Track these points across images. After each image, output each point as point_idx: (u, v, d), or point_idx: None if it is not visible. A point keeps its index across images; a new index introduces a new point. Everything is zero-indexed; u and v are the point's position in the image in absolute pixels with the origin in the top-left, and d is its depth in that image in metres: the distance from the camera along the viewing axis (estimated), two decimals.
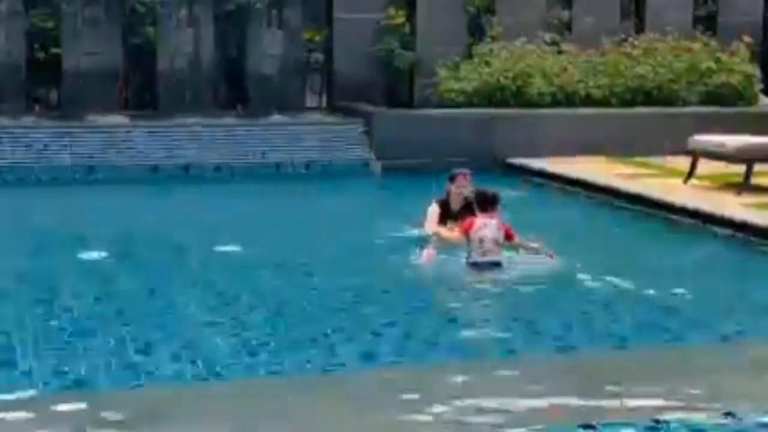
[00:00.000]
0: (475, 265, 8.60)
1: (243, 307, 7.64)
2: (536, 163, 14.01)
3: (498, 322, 7.45)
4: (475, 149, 14.27)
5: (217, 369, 6.22)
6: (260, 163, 14.00)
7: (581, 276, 8.54)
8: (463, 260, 8.72)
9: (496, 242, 8.61)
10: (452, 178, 9.86)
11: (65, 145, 13.69)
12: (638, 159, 14.16)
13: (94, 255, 9.12)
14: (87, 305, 7.59)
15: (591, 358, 6.57)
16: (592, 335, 7.13)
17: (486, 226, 8.63)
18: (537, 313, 7.56)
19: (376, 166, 14.17)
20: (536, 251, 8.75)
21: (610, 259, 9.40)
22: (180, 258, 9.24)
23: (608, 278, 8.54)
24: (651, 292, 8.12)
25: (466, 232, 8.67)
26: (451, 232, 9.11)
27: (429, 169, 13.17)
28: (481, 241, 8.59)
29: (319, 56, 17.21)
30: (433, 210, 9.66)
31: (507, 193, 12.48)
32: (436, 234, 9.24)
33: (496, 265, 8.60)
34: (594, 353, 6.73)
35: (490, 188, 9.01)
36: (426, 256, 8.81)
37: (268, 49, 15.87)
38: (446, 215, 9.63)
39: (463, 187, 9.69)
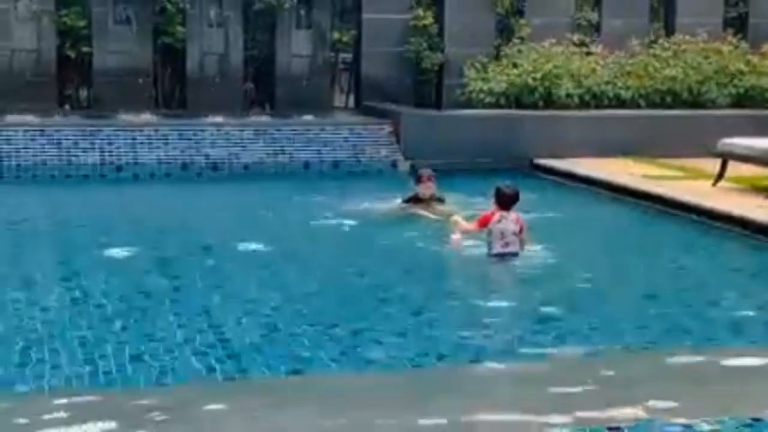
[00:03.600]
0: (497, 256, 8.94)
1: (268, 303, 7.67)
2: (564, 164, 13.96)
3: (526, 319, 7.44)
4: (503, 150, 14.31)
5: (244, 366, 6.24)
6: (289, 162, 14.01)
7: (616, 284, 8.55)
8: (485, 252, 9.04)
9: (514, 234, 9.00)
10: (419, 180, 10.96)
11: (94, 144, 13.74)
12: (665, 161, 14.06)
13: (120, 252, 9.16)
14: (114, 301, 7.63)
15: (614, 358, 6.54)
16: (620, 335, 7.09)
17: (503, 219, 9.00)
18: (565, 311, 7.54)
19: (404, 167, 14.15)
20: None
21: (636, 260, 9.37)
22: (207, 257, 9.25)
23: (631, 281, 8.54)
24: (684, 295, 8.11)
25: (484, 225, 9.06)
26: (468, 225, 9.39)
27: (457, 170, 13.21)
28: (502, 234, 8.97)
29: (347, 56, 17.24)
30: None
31: (533, 194, 12.60)
32: (455, 221, 9.59)
33: (515, 255, 8.97)
34: (619, 353, 6.69)
35: (510, 186, 9.25)
36: (454, 241, 9.28)
37: (296, 49, 15.91)
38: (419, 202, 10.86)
39: (428, 189, 10.81)
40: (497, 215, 9.02)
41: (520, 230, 9.02)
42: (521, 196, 9.17)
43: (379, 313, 7.46)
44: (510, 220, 9.00)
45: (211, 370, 6.13)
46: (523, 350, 6.64)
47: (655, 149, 14.50)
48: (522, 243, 9.03)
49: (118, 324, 7.02)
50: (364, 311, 7.49)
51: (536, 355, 6.54)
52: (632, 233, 10.98)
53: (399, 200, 11.10)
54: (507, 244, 8.95)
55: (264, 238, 9.72)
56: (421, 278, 8.50)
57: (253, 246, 9.45)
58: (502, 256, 8.92)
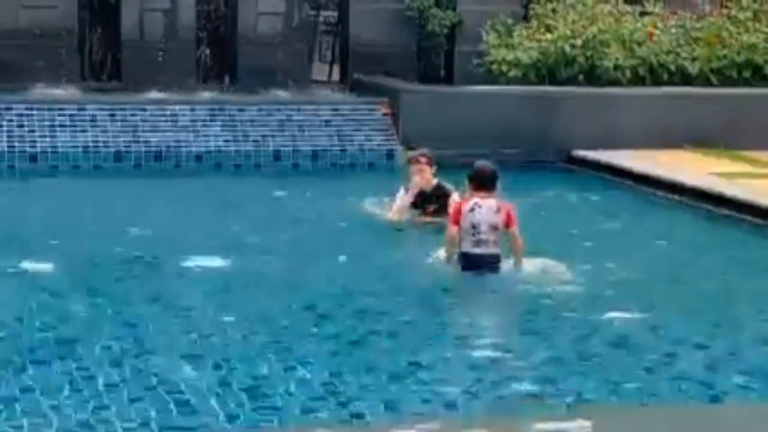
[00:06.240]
0: (467, 258, 8.50)
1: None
2: (611, 157, 13.86)
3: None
4: (532, 138, 14.29)
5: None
6: (254, 152, 13.98)
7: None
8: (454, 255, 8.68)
9: (493, 228, 8.49)
10: (409, 161, 11.28)
11: (1, 125, 13.66)
12: (743, 154, 14.03)
13: (31, 268, 9.05)
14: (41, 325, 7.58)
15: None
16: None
17: (479, 207, 8.53)
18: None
19: (403, 158, 14.06)
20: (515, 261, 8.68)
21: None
22: (145, 276, 9.16)
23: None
24: None
25: (457, 223, 8.59)
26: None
27: (472, 165, 13.07)
28: (473, 227, 8.48)
29: (330, 15, 17.27)
30: (401, 196, 10.90)
31: (571, 195, 12.48)
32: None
33: (493, 260, 8.49)
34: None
35: (487, 163, 8.95)
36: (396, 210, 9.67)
37: (264, 5, 15.89)
38: (419, 199, 10.85)
39: (420, 171, 10.81)
40: (471, 202, 8.53)
41: (507, 224, 8.47)
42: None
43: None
44: (489, 209, 8.46)
45: None
46: None
47: (730, 138, 14.48)
48: (515, 244, 8.47)
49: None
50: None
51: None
52: (706, 248, 10.84)
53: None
54: (479, 243, 8.41)
55: (218, 252, 9.60)
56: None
57: (203, 261, 9.35)
58: (473, 262, 8.39)
